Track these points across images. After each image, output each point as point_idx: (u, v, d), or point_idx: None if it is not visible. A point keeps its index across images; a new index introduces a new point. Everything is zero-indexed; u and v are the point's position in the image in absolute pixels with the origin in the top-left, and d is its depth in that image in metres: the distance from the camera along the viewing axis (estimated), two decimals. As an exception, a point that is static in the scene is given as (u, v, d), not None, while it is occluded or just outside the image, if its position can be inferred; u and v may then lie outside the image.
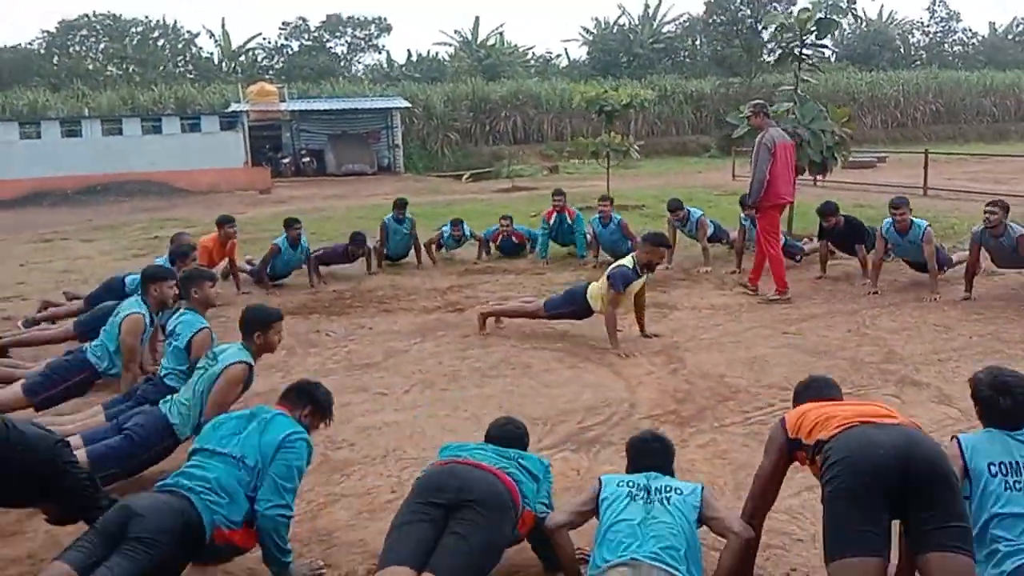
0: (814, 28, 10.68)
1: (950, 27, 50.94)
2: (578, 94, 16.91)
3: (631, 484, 3.07)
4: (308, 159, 29.51)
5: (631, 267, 6.39)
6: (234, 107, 29.17)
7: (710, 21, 37.42)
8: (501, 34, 49.10)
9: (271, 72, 44.81)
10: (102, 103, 32.42)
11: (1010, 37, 51.75)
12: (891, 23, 52.05)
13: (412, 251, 10.59)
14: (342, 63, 48.05)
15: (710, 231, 9.80)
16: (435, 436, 4.73)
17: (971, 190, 16.36)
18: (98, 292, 7.41)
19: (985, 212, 7.31)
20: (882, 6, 60.11)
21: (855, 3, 10.52)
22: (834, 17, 10.60)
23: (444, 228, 10.88)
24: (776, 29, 11.25)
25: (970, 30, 52.85)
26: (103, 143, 26.16)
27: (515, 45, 50.16)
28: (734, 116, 11.30)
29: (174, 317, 4.92)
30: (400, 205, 10.35)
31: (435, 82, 39.34)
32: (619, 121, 17.62)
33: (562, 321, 6.98)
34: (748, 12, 35.49)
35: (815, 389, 3.32)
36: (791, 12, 10.96)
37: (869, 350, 6.10)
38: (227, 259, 9.17)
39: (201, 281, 4.90)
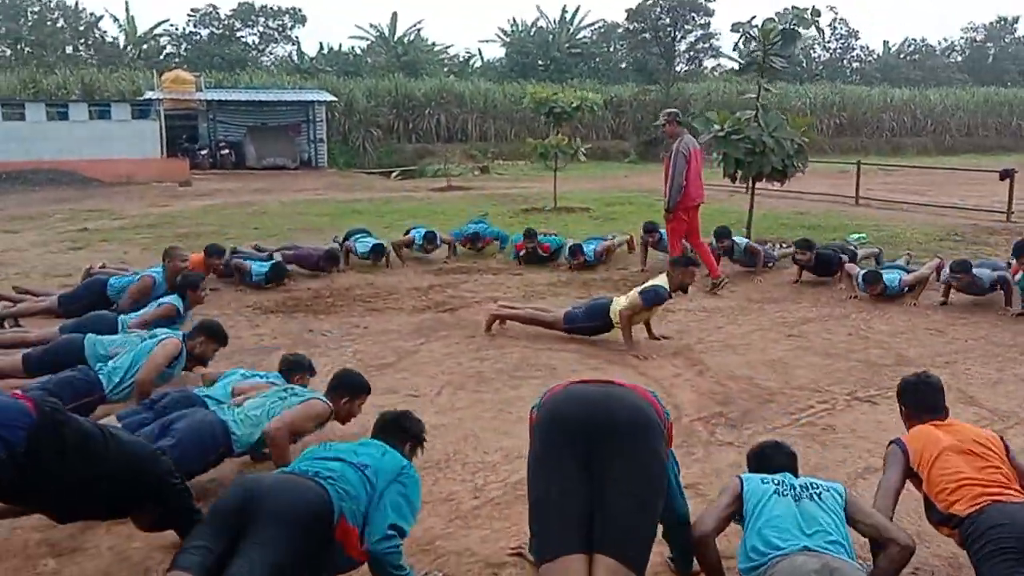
0: (779, 39, 10.96)
1: (849, 44, 53.56)
2: (528, 94, 16.89)
3: (775, 481, 3.01)
4: (227, 151, 28.47)
5: (665, 289, 6.37)
6: (149, 95, 27.86)
7: (631, 28, 38.06)
8: (419, 31, 48.69)
9: (177, 60, 43.03)
10: (0, 86, 30.40)
11: (902, 56, 54.78)
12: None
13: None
14: (252, 53, 46.61)
15: None
16: (490, 440, 4.62)
17: (896, 200, 17.21)
18: (77, 294, 7.06)
19: (951, 279, 7.65)
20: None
21: (819, 15, 10.84)
22: (798, 29, 10.92)
23: (415, 234, 10.55)
24: (741, 39, 11.51)
25: (867, 48, 55.71)
26: (4, 128, 24.51)
27: (433, 43, 49.81)
28: (701, 121, 11.49)
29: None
30: (377, 251, 10.05)
31: (350, 76, 38.64)
32: (568, 124, 17.66)
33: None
34: (668, 21, 36.34)
35: (930, 398, 3.44)
36: (753, 23, 11.15)
37: (878, 353, 6.30)
38: None
39: (304, 372, 4.80)
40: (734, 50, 48.93)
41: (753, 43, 11.32)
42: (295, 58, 46.45)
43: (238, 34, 46.37)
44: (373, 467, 3.01)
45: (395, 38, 47.32)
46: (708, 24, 36.93)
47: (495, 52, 52.93)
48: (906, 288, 8.02)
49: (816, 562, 2.62)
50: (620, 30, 46.65)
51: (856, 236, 11.78)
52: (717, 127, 11.12)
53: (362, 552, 2.86)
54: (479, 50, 64.89)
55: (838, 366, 5.98)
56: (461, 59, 52.05)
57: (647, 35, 37.47)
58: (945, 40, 57.26)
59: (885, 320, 7.34)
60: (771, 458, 3.23)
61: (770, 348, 6.49)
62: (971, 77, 51.24)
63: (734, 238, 9.52)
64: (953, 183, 22.14)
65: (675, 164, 8.60)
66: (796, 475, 3.19)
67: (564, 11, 48.68)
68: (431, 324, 7.33)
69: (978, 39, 55.32)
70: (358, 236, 10.57)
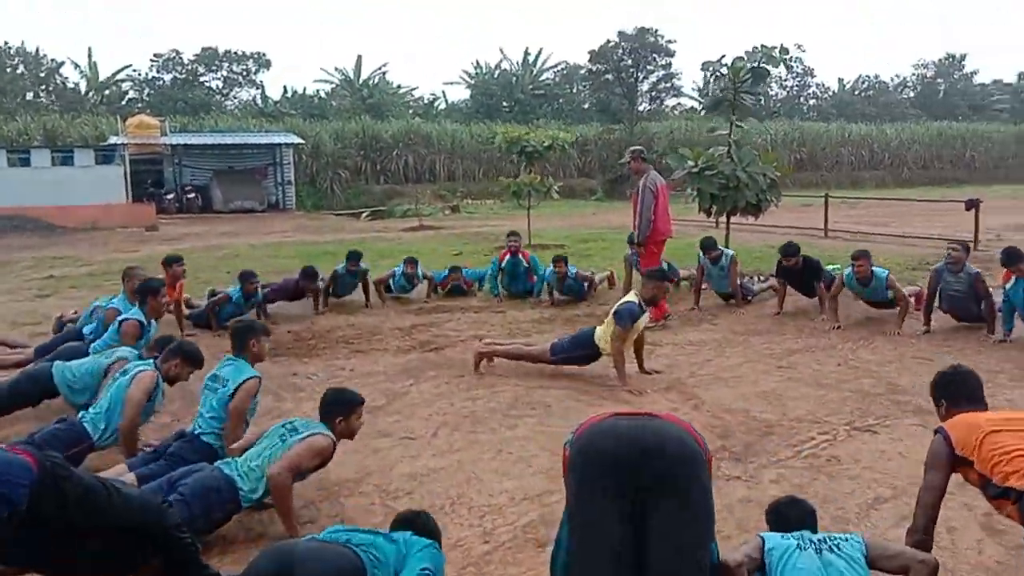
0: (748, 76, 11.17)
1: (805, 82, 54.84)
2: (499, 134, 17.04)
3: (795, 536, 2.99)
4: (193, 195, 28.22)
5: (636, 303, 6.39)
6: (113, 140, 27.62)
7: (593, 69, 38.65)
8: (384, 74, 48.98)
9: (140, 105, 42.71)
10: (-41, 133, 29.95)
11: (856, 93, 56.22)
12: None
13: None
14: (216, 98, 46.46)
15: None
16: (492, 482, 4.51)
17: (865, 231, 17.50)
18: (53, 344, 6.85)
19: (948, 249, 7.85)
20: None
21: (787, 54, 11.07)
22: (767, 67, 11.13)
23: (395, 269, 10.51)
24: (711, 78, 11.70)
25: (823, 85, 57.12)
26: (-36, 176, 24.11)
27: (398, 85, 50.11)
28: (675, 158, 11.62)
29: (219, 364, 4.77)
30: (354, 257, 10.03)
31: (316, 119, 38.67)
32: (537, 163, 17.78)
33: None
34: (630, 62, 36.96)
35: (967, 388, 3.42)
36: (722, 61, 11.34)
37: (869, 382, 6.31)
38: (174, 300, 8.58)
39: (259, 334, 4.86)
40: (702, 90, 50.10)
41: (723, 81, 11.52)
42: (259, 102, 46.40)
43: (201, 79, 46.24)
44: (403, 541, 2.99)
45: (360, 81, 47.53)
46: (669, 64, 37.69)
47: (459, 94, 53.42)
48: (890, 293, 8.17)
49: None
50: (582, 71, 47.54)
51: (832, 267, 11.88)
52: (691, 163, 11.26)
53: None
54: (443, 92, 65.15)
55: (832, 396, 5.98)
56: (426, 101, 52.35)
57: (610, 76, 38.03)
58: (897, 76, 58.95)
59: (871, 350, 7.39)
60: (788, 516, 3.20)
61: (761, 380, 6.47)
62: (924, 112, 52.71)
63: (721, 247, 9.57)
64: (914, 214, 22.58)
65: (643, 199, 8.75)
66: (815, 531, 3.14)
67: (527, 53, 49.41)
68: (418, 364, 7.21)
69: (928, 75, 57.02)
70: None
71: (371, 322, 9.14)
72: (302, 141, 31.13)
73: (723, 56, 11.41)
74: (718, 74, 11.59)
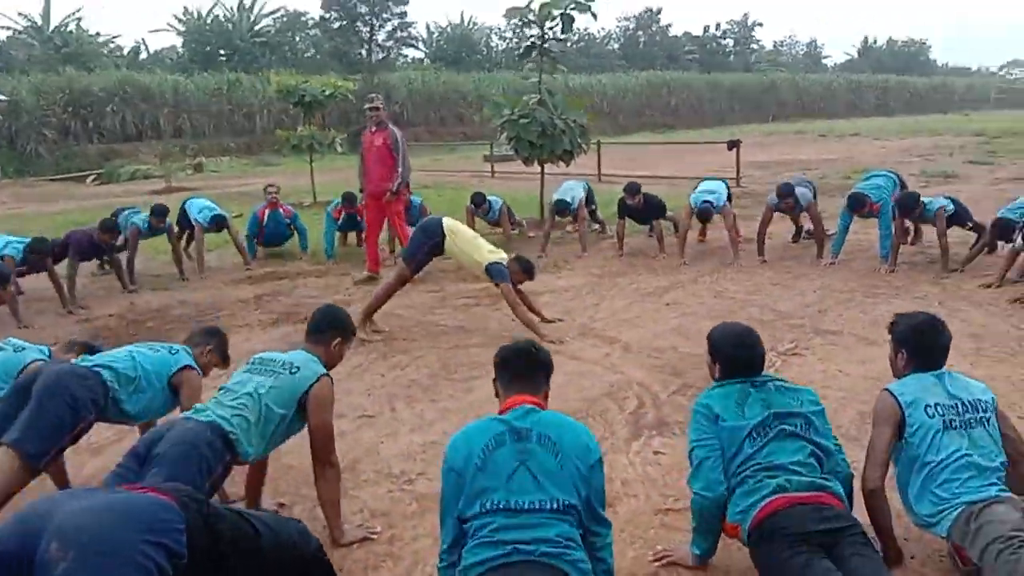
0: (556, 24, 11.31)
1: (524, 34, 56.82)
2: (274, 82, 15.85)
3: (940, 409, 2.93)
4: None
5: (506, 271, 6.21)
6: None
7: (326, 16, 37.11)
8: (79, 20, 43.32)
9: None
10: None
11: (570, 44, 59.46)
12: (474, 28, 56.59)
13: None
14: None
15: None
16: (495, 449, 4.24)
17: (635, 174, 18.64)
18: None
19: (783, 202, 8.59)
20: (463, 12, 65.92)
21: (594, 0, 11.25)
22: (573, 13, 11.30)
23: (198, 215, 9.49)
24: (518, 23, 11.67)
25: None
26: None
27: (96, 33, 44.64)
28: (491, 106, 11.54)
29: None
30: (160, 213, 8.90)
31: (5, 72, 33.43)
32: (317, 114, 16.77)
33: (446, 317, 6.59)
34: (365, 11, 35.92)
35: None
36: (530, 7, 11.38)
37: (756, 310, 6.75)
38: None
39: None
40: (426, 41, 50.18)
41: (531, 28, 11.57)
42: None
43: None
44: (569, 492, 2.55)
45: (51, 28, 41.67)
46: (404, 13, 37.16)
47: (164, 42, 48.76)
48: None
49: (1017, 515, 2.71)
50: (304, 18, 45.58)
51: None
52: (507, 111, 11.29)
53: None
54: (143, 40, 58.99)
55: (735, 327, 6.32)
56: (133, 50, 47.23)
57: (342, 24, 36.74)
58: (603, 29, 63.12)
59: (730, 280, 7.92)
60: (931, 347, 3.08)
61: (661, 319, 6.68)
62: (628, 63, 57.06)
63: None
64: (648, 157, 24.39)
65: (400, 146, 8.61)
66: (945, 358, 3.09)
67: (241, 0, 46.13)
68: (300, 339, 6.55)
69: (631, 28, 61.71)
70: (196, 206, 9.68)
71: (203, 297, 8.17)
72: (5, 98, 26.75)
73: (531, 1, 11.34)
74: (526, 20, 11.57)
